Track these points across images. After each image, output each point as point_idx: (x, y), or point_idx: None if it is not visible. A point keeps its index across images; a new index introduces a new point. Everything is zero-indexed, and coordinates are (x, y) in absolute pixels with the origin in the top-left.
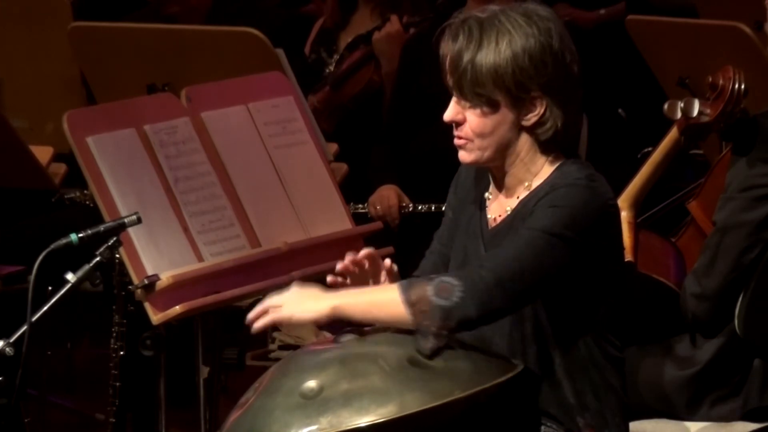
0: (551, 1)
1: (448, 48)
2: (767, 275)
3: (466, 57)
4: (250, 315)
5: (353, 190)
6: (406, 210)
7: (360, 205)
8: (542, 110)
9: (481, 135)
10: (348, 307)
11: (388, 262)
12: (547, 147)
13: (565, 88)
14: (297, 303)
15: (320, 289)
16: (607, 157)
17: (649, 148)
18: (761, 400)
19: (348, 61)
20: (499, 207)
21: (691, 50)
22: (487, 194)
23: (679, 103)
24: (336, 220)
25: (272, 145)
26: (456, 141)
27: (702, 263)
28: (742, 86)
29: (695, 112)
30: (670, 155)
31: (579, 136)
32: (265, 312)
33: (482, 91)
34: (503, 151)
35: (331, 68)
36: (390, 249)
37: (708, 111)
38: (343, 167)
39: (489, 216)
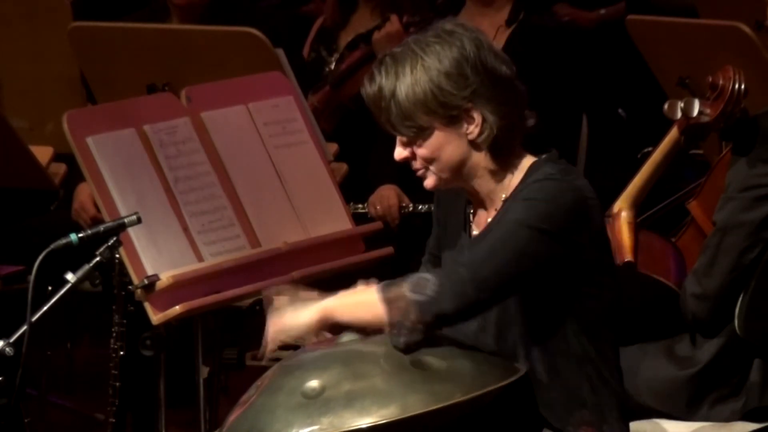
0: (551, 2)
1: (368, 90)
2: (767, 275)
3: (387, 94)
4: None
5: (353, 190)
6: (406, 210)
7: (360, 205)
8: (480, 119)
9: (430, 161)
10: (335, 309)
11: None
12: (507, 152)
13: (496, 91)
14: (290, 315)
15: (309, 293)
16: (607, 157)
17: (649, 148)
18: (761, 400)
19: (348, 60)
20: (482, 221)
21: (691, 50)
22: (469, 209)
23: (679, 103)
24: (336, 220)
25: (272, 145)
26: (416, 173)
27: (702, 263)
28: (742, 86)
29: (695, 112)
30: (670, 155)
31: (552, 133)
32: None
33: (411, 122)
34: (460, 169)
35: (331, 67)
36: (390, 249)
37: (708, 111)
38: (343, 167)
39: (474, 232)
